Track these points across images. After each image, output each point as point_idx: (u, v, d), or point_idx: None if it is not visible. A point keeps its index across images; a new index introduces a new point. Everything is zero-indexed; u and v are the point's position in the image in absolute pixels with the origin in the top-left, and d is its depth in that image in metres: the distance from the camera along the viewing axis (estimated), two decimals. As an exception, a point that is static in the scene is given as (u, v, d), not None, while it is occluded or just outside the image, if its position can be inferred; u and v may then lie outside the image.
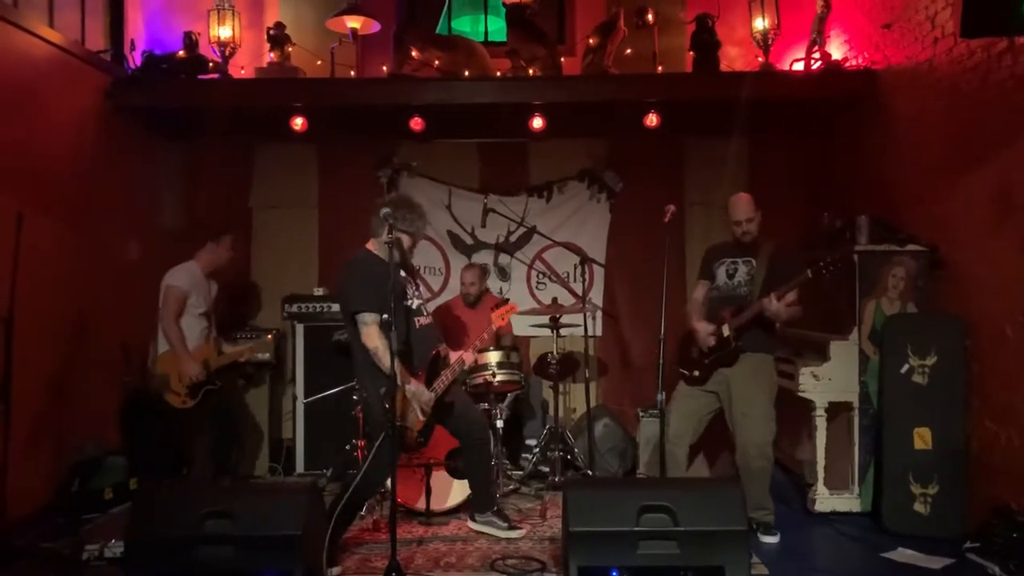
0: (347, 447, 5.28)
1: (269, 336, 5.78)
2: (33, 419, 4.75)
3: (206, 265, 5.16)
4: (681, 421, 4.52)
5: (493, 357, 5.18)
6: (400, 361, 3.91)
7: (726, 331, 4.41)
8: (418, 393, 3.99)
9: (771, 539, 4.38)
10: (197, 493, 3.70)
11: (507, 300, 4.70)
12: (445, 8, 6.99)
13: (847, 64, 5.79)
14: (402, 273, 4.20)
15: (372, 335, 3.90)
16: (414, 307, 4.18)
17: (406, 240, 4.12)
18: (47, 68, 4.98)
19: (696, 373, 4.53)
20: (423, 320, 4.23)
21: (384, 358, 3.76)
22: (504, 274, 6.77)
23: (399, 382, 3.84)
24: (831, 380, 4.79)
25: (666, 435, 4.44)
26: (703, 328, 4.51)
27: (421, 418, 4.01)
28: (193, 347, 4.97)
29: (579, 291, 5.76)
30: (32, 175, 4.80)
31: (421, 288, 4.45)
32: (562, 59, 6.18)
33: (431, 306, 5.20)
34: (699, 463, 5.17)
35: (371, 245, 4.14)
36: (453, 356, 4.35)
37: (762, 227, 4.57)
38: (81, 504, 4.87)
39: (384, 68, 6.12)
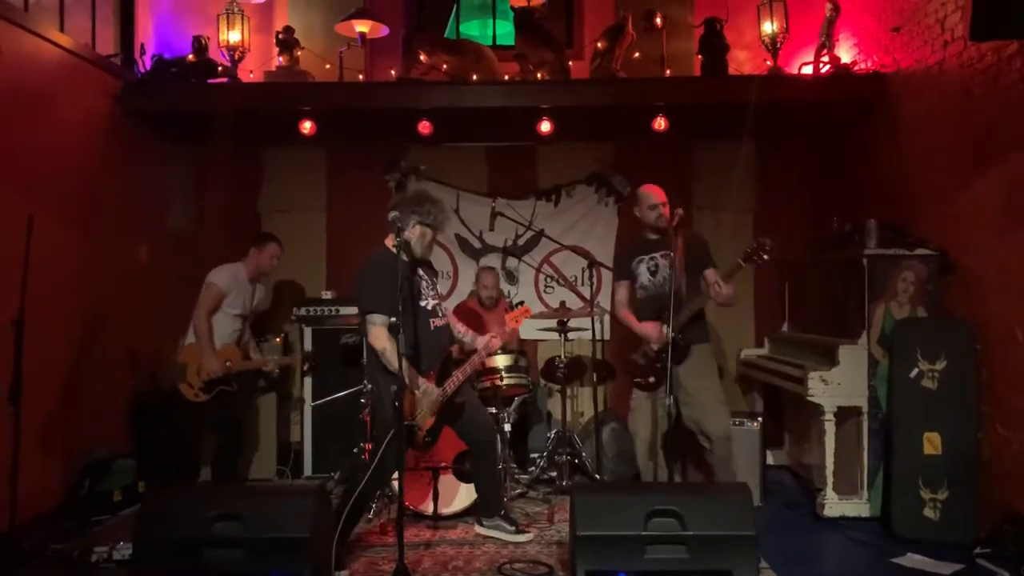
0: (355, 450, 5.28)
1: (277, 340, 5.80)
2: (43, 422, 4.77)
3: (251, 270, 5.27)
4: (650, 428, 4.52)
5: (501, 361, 5.18)
6: (409, 362, 3.92)
7: (668, 332, 4.24)
8: (428, 392, 3.99)
9: None
10: (205, 495, 3.70)
11: (521, 303, 4.69)
12: (453, 12, 7.02)
13: (856, 68, 5.77)
14: (420, 272, 4.21)
15: (379, 336, 3.91)
16: (429, 308, 4.18)
17: (428, 233, 4.13)
18: (57, 72, 5.01)
19: (652, 379, 4.50)
20: (438, 321, 4.21)
21: (392, 359, 3.77)
22: (512, 278, 6.77)
23: (408, 382, 3.86)
24: (840, 384, 4.77)
25: (636, 449, 4.60)
26: (651, 327, 4.48)
27: (430, 418, 4.01)
28: (220, 345, 5.06)
29: (587, 295, 5.74)
30: (43, 178, 4.83)
31: (438, 287, 4.43)
32: (570, 63, 6.17)
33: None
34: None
35: (389, 241, 4.13)
36: (480, 339, 4.35)
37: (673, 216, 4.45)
38: (90, 506, 4.90)
39: (392, 72, 6.13)
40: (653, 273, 4.58)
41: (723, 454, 4.50)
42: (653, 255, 4.58)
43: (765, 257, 4.07)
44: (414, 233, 4.07)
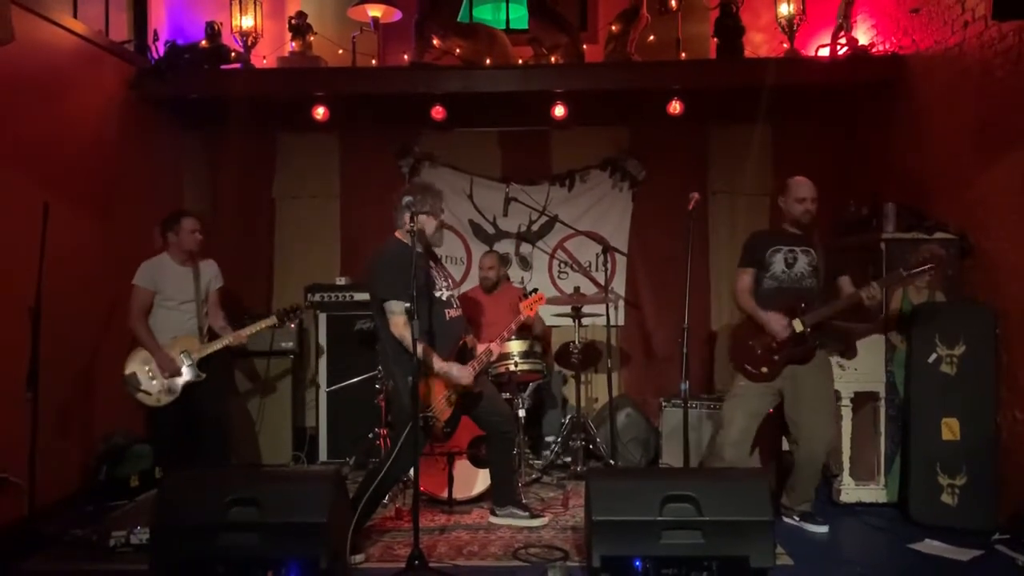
0: (370, 435, 5.30)
1: (292, 325, 5.79)
2: (60, 408, 4.81)
3: (177, 254, 4.99)
4: (749, 420, 4.33)
5: (516, 347, 5.17)
6: (427, 346, 3.92)
7: (799, 326, 4.21)
8: (448, 370, 3.99)
9: (821, 528, 4.34)
10: (222, 480, 3.72)
11: (535, 290, 4.66)
12: (466, -4, 6.97)
13: (874, 50, 5.70)
14: (431, 262, 4.20)
15: (398, 323, 3.91)
16: (444, 298, 4.17)
17: (430, 223, 4.11)
18: (71, 59, 5.02)
19: (764, 370, 4.30)
20: (452, 312, 4.20)
21: (411, 345, 3.77)
22: (526, 263, 6.75)
23: (427, 367, 3.86)
24: (857, 370, 4.74)
25: (727, 436, 4.33)
26: (776, 320, 4.25)
27: (448, 407, 4.01)
28: (172, 339, 4.86)
29: (601, 280, 5.72)
30: (57, 165, 4.85)
31: (452, 276, 4.42)
32: (584, 46, 6.13)
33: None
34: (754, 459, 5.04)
35: (399, 234, 4.14)
36: (480, 348, 4.34)
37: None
38: (108, 491, 4.93)
39: (405, 57, 6.10)
40: (790, 265, 4.34)
41: (815, 460, 4.30)
42: (793, 248, 4.36)
43: (930, 273, 4.14)
44: (416, 224, 4.06)
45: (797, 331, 4.22)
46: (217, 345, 4.95)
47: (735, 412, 4.36)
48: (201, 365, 4.88)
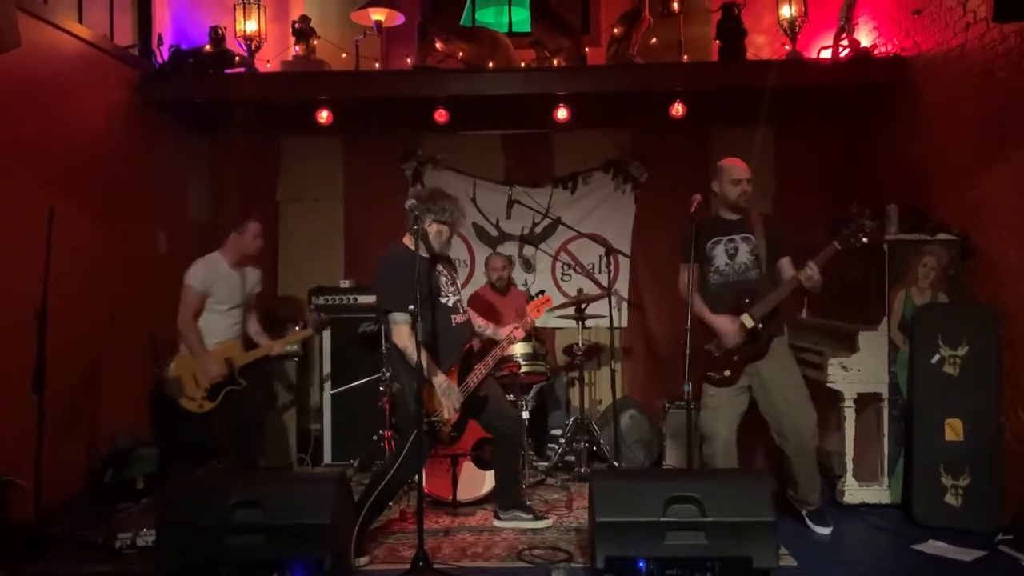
0: (374, 437, 5.31)
1: (299, 328, 5.80)
2: (66, 410, 4.83)
3: (232, 256, 4.86)
4: (730, 428, 4.24)
5: (519, 349, 5.18)
6: (431, 358, 3.93)
7: (749, 322, 4.12)
8: (448, 390, 3.99)
9: (825, 529, 4.32)
10: (227, 482, 3.74)
11: (542, 292, 4.66)
12: (469, -1, 7.00)
13: (876, 51, 5.70)
14: (440, 267, 4.20)
15: (403, 335, 3.92)
16: (450, 304, 4.16)
17: (444, 231, 4.12)
18: (76, 63, 5.04)
19: (727, 373, 4.21)
20: (459, 318, 4.19)
21: (414, 356, 3.78)
22: (529, 266, 6.76)
23: (428, 376, 3.87)
24: (860, 371, 4.73)
25: (714, 448, 4.21)
26: (726, 324, 4.15)
27: (453, 414, 4.02)
28: (218, 343, 4.76)
29: (604, 282, 5.73)
30: (63, 169, 4.88)
31: (457, 281, 4.41)
32: (587, 49, 6.15)
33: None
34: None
35: (407, 240, 4.13)
36: (503, 331, 4.34)
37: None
38: (113, 494, 4.94)
39: (408, 60, 6.12)
40: (732, 256, 4.23)
41: (806, 446, 4.23)
42: (732, 236, 4.23)
43: (864, 240, 3.91)
44: (430, 230, 4.07)
45: (748, 327, 4.12)
46: (259, 353, 4.90)
47: (716, 424, 4.21)
48: (241, 372, 4.79)
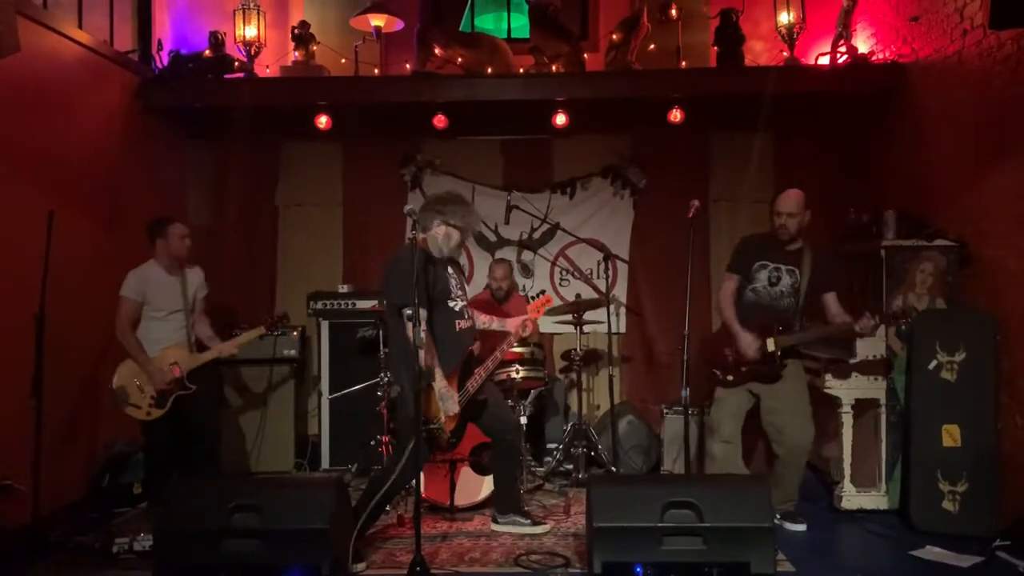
0: (372, 443, 5.31)
1: (295, 333, 5.81)
2: (65, 415, 4.84)
3: (166, 262, 4.80)
4: (734, 420, 4.45)
5: (517, 351, 5.17)
6: (435, 359, 3.94)
7: (771, 346, 4.28)
8: (445, 396, 3.99)
9: (799, 527, 4.43)
10: (225, 487, 3.74)
11: (542, 292, 4.63)
12: (468, 5, 7.02)
13: (874, 58, 5.72)
14: (449, 270, 4.20)
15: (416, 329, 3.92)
16: (457, 309, 4.16)
17: (454, 235, 4.11)
18: (77, 68, 5.06)
19: (730, 377, 4.43)
20: (463, 323, 4.18)
21: (423, 352, 3.78)
22: (527, 271, 6.76)
23: (430, 380, 3.88)
24: (858, 377, 4.74)
25: (719, 435, 4.44)
26: (747, 340, 4.33)
27: (449, 421, 4.02)
28: (162, 349, 4.70)
29: (603, 288, 5.73)
30: (62, 174, 4.89)
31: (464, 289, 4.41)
32: (585, 55, 6.17)
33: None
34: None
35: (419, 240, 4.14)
36: (511, 323, 4.36)
37: (804, 233, 4.45)
38: (111, 499, 4.95)
39: (408, 66, 6.14)
40: (773, 283, 4.41)
41: (797, 462, 4.44)
42: (779, 266, 4.41)
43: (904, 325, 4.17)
44: (439, 232, 4.07)
45: (769, 350, 4.29)
46: (207, 356, 4.82)
47: (721, 416, 4.46)
48: (190, 377, 4.72)
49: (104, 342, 5.20)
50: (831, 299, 4.40)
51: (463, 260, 6.77)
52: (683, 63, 6.08)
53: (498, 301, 5.77)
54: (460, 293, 4.23)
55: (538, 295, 4.61)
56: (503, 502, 4.50)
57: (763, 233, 4.59)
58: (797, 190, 4.46)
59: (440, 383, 3.98)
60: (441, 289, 4.07)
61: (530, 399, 5.42)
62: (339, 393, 5.76)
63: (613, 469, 5.46)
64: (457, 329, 4.14)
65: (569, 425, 5.76)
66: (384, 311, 4.16)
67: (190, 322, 4.88)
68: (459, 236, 4.15)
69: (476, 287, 6.36)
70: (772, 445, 4.52)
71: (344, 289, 6.16)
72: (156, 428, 4.72)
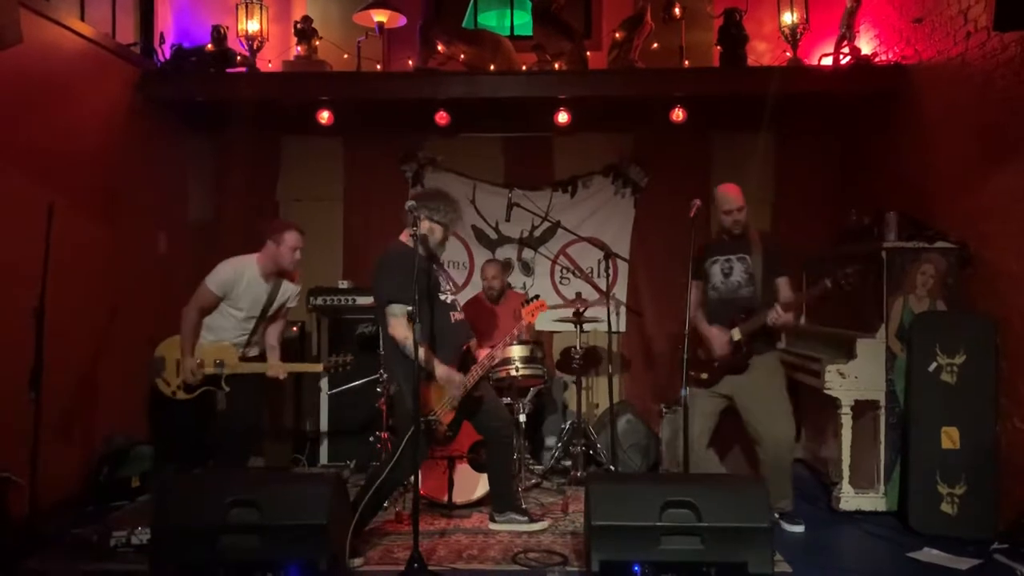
0: (371, 439, 5.31)
1: (295, 328, 5.80)
2: (63, 409, 4.83)
3: (267, 265, 4.49)
4: (703, 420, 4.52)
5: (517, 352, 5.18)
6: (431, 350, 3.93)
7: (736, 335, 4.42)
8: (450, 378, 4.00)
9: (797, 528, 4.45)
10: (222, 482, 3.73)
11: (536, 296, 4.61)
12: (471, 2, 7.00)
13: (877, 59, 5.71)
14: (435, 266, 4.22)
15: (400, 326, 3.93)
16: (448, 302, 4.18)
17: (439, 231, 4.13)
18: (78, 61, 5.05)
19: (704, 376, 4.53)
20: (457, 316, 4.22)
21: (412, 348, 3.78)
22: (528, 269, 6.76)
23: (429, 371, 3.88)
24: (857, 378, 4.74)
25: (690, 434, 4.36)
26: (716, 335, 4.49)
27: (450, 410, 4.03)
28: (215, 343, 4.50)
29: (603, 286, 5.73)
30: (63, 167, 4.88)
31: (452, 284, 4.44)
32: (588, 53, 6.15)
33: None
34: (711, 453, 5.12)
35: (404, 236, 4.15)
36: (482, 353, 4.34)
37: (749, 218, 4.58)
38: (109, 492, 4.95)
39: (410, 62, 6.13)
40: (727, 275, 4.55)
41: (782, 458, 4.45)
42: (728, 256, 4.56)
43: (850, 281, 4.14)
44: (422, 227, 4.08)
45: (735, 340, 4.41)
46: (254, 369, 4.54)
47: (692, 414, 4.35)
48: (229, 380, 4.49)
49: (104, 335, 5.21)
50: (783, 283, 4.52)
51: (464, 258, 6.77)
52: (686, 62, 6.07)
53: (491, 301, 5.77)
54: (448, 287, 4.25)
55: (534, 298, 4.58)
56: (500, 500, 4.50)
57: (713, 238, 4.77)
58: (733, 183, 4.61)
59: (441, 370, 3.99)
60: (432, 283, 4.08)
61: (529, 397, 5.42)
62: (338, 389, 5.76)
63: (612, 468, 5.46)
64: (452, 321, 4.16)
65: (568, 423, 5.77)
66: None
67: (261, 328, 4.62)
68: (442, 232, 4.16)
69: (477, 285, 6.36)
70: (756, 447, 4.56)
71: (344, 285, 6.16)
72: (178, 409, 4.68)
